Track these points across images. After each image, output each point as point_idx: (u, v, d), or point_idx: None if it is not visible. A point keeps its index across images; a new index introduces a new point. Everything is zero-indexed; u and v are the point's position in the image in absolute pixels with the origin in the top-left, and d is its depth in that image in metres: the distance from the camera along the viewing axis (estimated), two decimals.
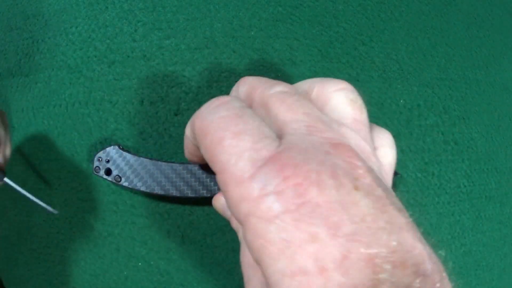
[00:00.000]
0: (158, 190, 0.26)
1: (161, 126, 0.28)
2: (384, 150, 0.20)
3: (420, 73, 0.33)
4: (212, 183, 0.26)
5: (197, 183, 0.26)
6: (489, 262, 0.33)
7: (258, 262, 0.14)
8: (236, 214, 0.15)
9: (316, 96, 0.19)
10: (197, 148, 0.20)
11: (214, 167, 0.16)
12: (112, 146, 0.27)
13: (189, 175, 0.26)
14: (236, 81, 0.29)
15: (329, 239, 0.13)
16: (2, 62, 0.32)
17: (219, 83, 0.29)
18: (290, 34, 0.30)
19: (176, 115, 0.28)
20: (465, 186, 0.33)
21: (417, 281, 0.13)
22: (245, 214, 0.14)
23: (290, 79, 0.30)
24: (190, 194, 0.26)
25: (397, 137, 0.31)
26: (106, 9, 0.30)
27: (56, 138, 0.29)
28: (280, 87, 0.18)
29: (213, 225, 0.28)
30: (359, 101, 0.19)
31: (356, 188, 0.14)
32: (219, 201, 0.22)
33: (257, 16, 0.30)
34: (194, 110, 0.29)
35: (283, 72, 0.30)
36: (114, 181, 0.26)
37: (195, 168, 0.26)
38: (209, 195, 0.26)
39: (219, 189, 0.25)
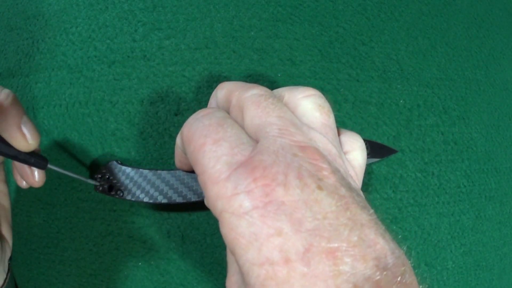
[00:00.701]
0: (161, 199, 0.26)
1: (161, 126, 0.28)
2: (355, 153, 0.21)
3: (420, 73, 0.33)
4: None
5: (199, 186, 0.26)
6: (489, 262, 0.33)
7: (232, 252, 0.16)
8: (213, 210, 0.17)
9: (286, 103, 0.20)
10: (186, 156, 0.21)
11: (196, 169, 0.18)
12: (110, 162, 0.26)
13: (190, 180, 0.26)
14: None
15: (293, 233, 0.15)
16: (2, 62, 0.32)
17: (219, 83, 0.29)
18: (290, 34, 0.30)
19: (176, 115, 0.28)
20: (465, 186, 0.33)
21: (377, 273, 0.14)
22: (220, 210, 0.16)
23: (290, 79, 0.30)
24: (193, 198, 0.26)
25: (397, 137, 0.31)
26: (106, 9, 0.30)
27: (56, 138, 0.29)
28: (256, 90, 0.20)
29: (213, 225, 0.28)
30: (327, 107, 0.20)
31: (320, 188, 0.16)
32: None
33: (257, 16, 0.30)
34: (194, 110, 0.29)
35: (283, 72, 0.30)
36: (117, 196, 0.26)
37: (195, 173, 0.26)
38: None
39: None
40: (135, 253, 0.27)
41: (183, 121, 0.28)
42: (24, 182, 0.24)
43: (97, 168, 0.28)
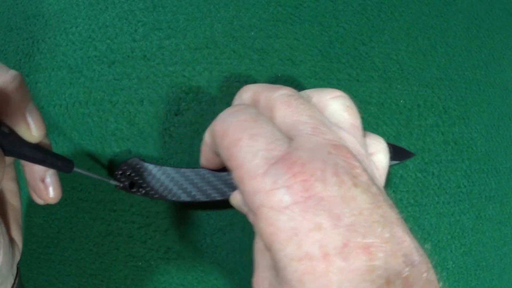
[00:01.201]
0: (184, 198, 0.25)
1: (161, 126, 0.28)
2: (380, 156, 0.21)
3: (420, 73, 0.33)
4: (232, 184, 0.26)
5: (223, 185, 0.26)
6: (489, 262, 0.33)
7: (268, 248, 0.16)
8: (250, 205, 0.17)
9: (314, 104, 0.20)
10: (214, 154, 0.22)
11: (231, 164, 0.18)
12: (131, 158, 0.26)
13: (213, 178, 0.26)
14: (236, 81, 0.29)
15: (332, 228, 0.15)
16: (2, 62, 0.32)
17: (219, 83, 0.29)
18: (290, 34, 0.30)
19: (176, 115, 0.28)
20: (465, 186, 0.33)
21: (407, 269, 0.15)
22: (258, 205, 0.16)
23: (290, 79, 0.30)
24: (217, 197, 0.25)
25: (397, 137, 0.31)
26: (106, 9, 0.30)
27: (56, 138, 0.29)
28: (284, 90, 0.20)
29: (212, 224, 0.28)
30: (355, 108, 0.21)
31: (355, 185, 0.16)
32: (235, 198, 0.23)
33: (257, 16, 0.30)
34: (194, 110, 0.29)
35: (283, 72, 0.30)
36: (138, 193, 0.26)
37: (220, 172, 0.26)
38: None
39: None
40: (135, 253, 0.27)
41: (183, 121, 0.28)
42: (39, 199, 0.23)
43: (99, 167, 0.28)
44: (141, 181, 0.26)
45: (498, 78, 0.36)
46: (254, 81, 0.29)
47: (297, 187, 0.16)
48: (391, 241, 0.15)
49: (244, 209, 0.23)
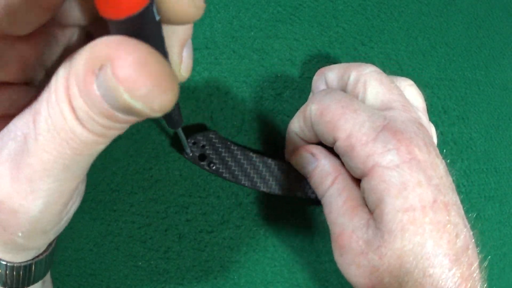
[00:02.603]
0: (248, 184, 0.26)
1: (160, 125, 0.28)
2: (434, 138, 0.25)
3: (420, 73, 0.33)
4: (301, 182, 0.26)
5: (290, 179, 0.26)
6: (489, 262, 0.33)
7: (379, 202, 0.19)
8: (362, 167, 0.20)
9: None
10: (302, 141, 0.25)
11: (338, 136, 0.21)
12: (211, 131, 0.26)
13: (279, 171, 0.26)
14: (236, 81, 0.29)
15: (427, 186, 0.19)
16: None
17: (219, 83, 0.29)
18: (290, 34, 0.30)
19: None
20: (464, 186, 0.33)
21: (465, 229, 0.19)
22: (371, 165, 0.19)
23: (290, 79, 0.30)
24: (278, 191, 0.26)
25: None
26: None
27: None
28: (373, 67, 0.23)
29: (210, 222, 0.28)
30: (423, 96, 0.25)
31: (437, 156, 0.20)
32: (299, 157, 0.25)
33: (257, 17, 0.30)
34: (193, 110, 0.29)
35: (283, 72, 0.30)
36: (206, 168, 0.25)
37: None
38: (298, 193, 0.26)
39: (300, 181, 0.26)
40: (135, 253, 0.28)
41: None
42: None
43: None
44: (213, 157, 0.25)
45: (498, 78, 0.36)
46: (254, 81, 0.29)
47: (403, 149, 0.19)
48: (457, 204, 0.20)
49: (305, 170, 0.24)
